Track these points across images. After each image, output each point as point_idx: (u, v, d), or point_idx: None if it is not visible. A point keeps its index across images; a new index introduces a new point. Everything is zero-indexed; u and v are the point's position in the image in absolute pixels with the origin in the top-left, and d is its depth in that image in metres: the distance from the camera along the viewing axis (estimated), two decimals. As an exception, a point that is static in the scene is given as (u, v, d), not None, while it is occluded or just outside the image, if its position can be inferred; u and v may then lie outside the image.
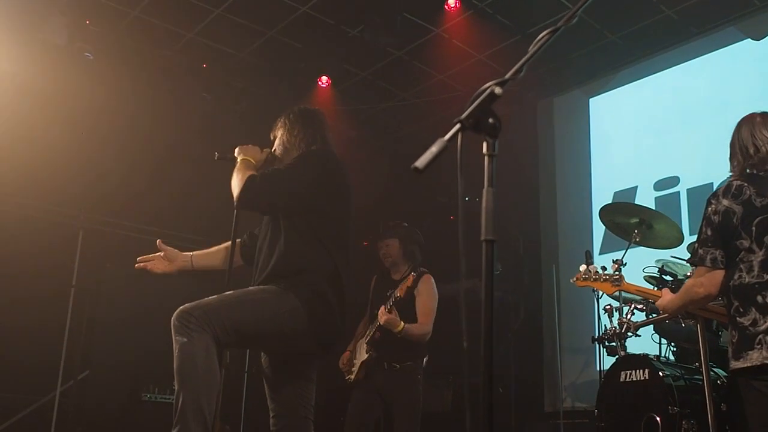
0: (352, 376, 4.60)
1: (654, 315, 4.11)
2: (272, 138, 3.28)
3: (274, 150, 3.22)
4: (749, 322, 2.69)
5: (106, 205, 6.54)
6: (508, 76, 1.40)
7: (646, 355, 3.92)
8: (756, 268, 2.71)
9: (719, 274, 2.78)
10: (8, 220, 6.02)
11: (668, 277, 4.12)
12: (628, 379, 3.83)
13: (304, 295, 2.84)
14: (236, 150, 3.14)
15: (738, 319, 2.73)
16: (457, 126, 1.36)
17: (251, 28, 6.65)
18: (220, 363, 2.72)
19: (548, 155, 7.50)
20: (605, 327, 4.42)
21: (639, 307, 4.20)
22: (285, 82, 7.17)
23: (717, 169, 3.72)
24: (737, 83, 5.96)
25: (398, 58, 7.07)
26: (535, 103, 7.64)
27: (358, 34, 6.63)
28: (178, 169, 6.65)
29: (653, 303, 3.93)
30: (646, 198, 6.23)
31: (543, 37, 1.43)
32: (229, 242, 3.26)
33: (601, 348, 4.62)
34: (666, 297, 3.13)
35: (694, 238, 3.06)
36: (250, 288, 2.96)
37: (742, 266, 2.74)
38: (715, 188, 3.01)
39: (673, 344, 4.30)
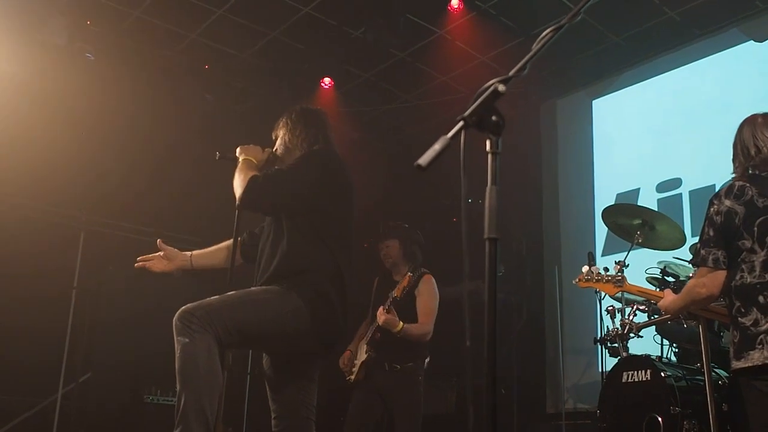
0: (353, 377, 4.59)
1: (656, 316, 4.11)
2: (274, 137, 3.28)
3: (276, 149, 3.22)
4: (751, 323, 2.69)
5: (106, 206, 6.54)
6: (511, 73, 1.40)
7: (648, 356, 3.92)
8: (758, 269, 2.71)
9: (721, 275, 2.78)
10: (9, 221, 6.01)
11: (670, 279, 4.12)
12: (630, 380, 3.83)
13: (306, 296, 2.84)
14: (237, 150, 3.14)
15: (739, 319, 2.73)
16: (461, 123, 1.36)
17: (253, 29, 6.65)
18: (222, 364, 2.72)
19: (551, 157, 7.50)
20: (607, 328, 4.42)
21: (641, 308, 4.20)
22: (287, 83, 7.17)
23: (719, 171, 3.72)
24: (740, 85, 5.96)
25: (401, 60, 7.08)
26: (538, 105, 7.64)
27: (361, 36, 6.63)
28: (179, 170, 6.64)
29: (655, 304, 3.93)
30: (649, 200, 6.23)
31: (547, 34, 1.43)
32: (228, 241, 3.27)
33: (603, 349, 4.62)
34: (668, 298, 3.13)
35: (697, 239, 3.06)
36: (253, 288, 2.95)
37: (744, 267, 2.74)
38: (717, 190, 3.01)
39: (675, 345, 4.30)
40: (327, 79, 7.32)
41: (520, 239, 7.06)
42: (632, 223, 4.40)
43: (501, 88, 1.36)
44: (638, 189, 6.50)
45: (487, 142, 1.41)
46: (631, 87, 6.88)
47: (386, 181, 7.40)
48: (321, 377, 3.13)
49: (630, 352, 4.17)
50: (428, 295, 4.61)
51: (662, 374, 3.66)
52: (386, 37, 6.59)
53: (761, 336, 2.65)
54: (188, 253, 3.32)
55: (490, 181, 1.40)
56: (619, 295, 4.24)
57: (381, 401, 4.53)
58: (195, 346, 2.62)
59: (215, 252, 3.33)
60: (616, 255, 5.31)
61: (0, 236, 5.84)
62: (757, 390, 2.68)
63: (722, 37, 6.26)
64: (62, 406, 5.96)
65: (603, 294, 4.78)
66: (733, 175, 2.92)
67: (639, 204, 5.90)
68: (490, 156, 1.41)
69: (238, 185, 2.95)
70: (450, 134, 1.36)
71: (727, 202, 2.79)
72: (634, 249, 4.41)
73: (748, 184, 2.80)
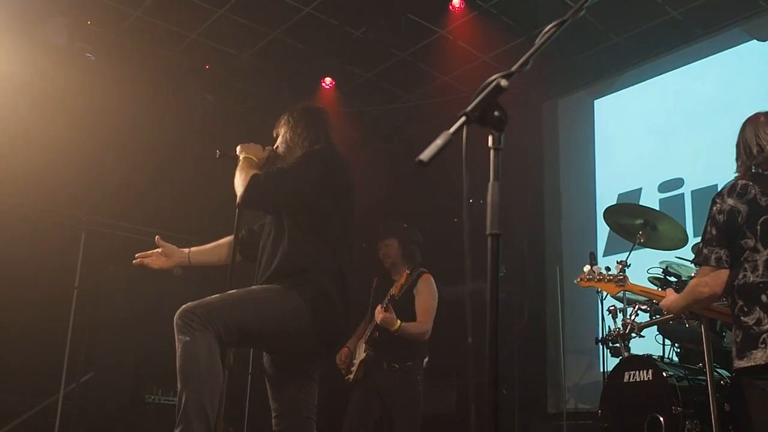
0: (351, 376, 4.59)
1: (658, 316, 4.10)
2: (275, 135, 3.27)
3: (277, 147, 3.21)
4: (753, 321, 2.68)
5: (107, 206, 6.53)
6: (514, 68, 1.39)
7: (649, 356, 3.92)
8: (761, 268, 2.71)
9: (724, 274, 2.77)
10: (9, 222, 6.00)
11: (672, 278, 4.11)
12: (631, 380, 3.83)
13: (307, 295, 2.84)
14: (238, 148, 3.13)
15: (742, 318, 2.73)
16: (463, 119, 1.35)
17: (254, 28, 6.65)
18: (223, 363, 2.71)
19: (552, 157, 7.49)
20: (609, 328, 4.41)
21: (643, 308, 4.19)
22: (288, 83, 7.16)
23: (722, 171, 3.71)
24: (743, 84, 5.95)
25: (402, 60, 7.07)
26: (540, 105, 7.63)
27: (362, 35, 6.63)
28: (180, 170, 6.63)
29: (657, 304, 3.92)
30: (651, 200, 6.22)
31: (550, 29, 1.42)
32: (227, 238, 3.27)
33: (605, 349, 4.62)
34: (670, 297, 3.12)
35: (698, 239, 3.05)
36: (253, 287, 2.94)
37: (746, 265, 2.73)
38: (720, 189, 3.00)
39: (676, 345, 4.29)
40: (328, 79, 7.31)
41: (521, 239, 7.04)
42: (634, 222, 4.39)
43: (503, 83, 1.35)
44: (640, 189, 6.49)
45: (490, 138, 1.40)
46: (632, 87, 6.87)
47: (387, 181, 7.39)
48: (321, 377, 3.13)
49: (631, 352, 4.17)
50: (427, 294, 4.60)
51: (664, 374, 3.66)
52: (387, 37, 6.58)
53: (764, 335, 2.64)
54: (186, 249, 3.32)
55: (493, 177, 1.39)
56: (620, 294, 4.24)
57: (380, 400, 4.52)
58: (196, 344, 2.61)
59: (214, 249, 3.33)
60: (617, 255, 5.29)
61: (1, 237, 5.83)
62: (759, 389, 2.68)
63: (725, 36, 6.25)
64: (63, 405, 5.96)
65: (605, 294, 4.78)
66: (736, 174, 2.92)
67: (641, 204, 5.89)
68: (492, 152, 1.40)
69: (240, 184, 2.94)
70: (452, 129, 1.35)
71: (730, 201, 2.78)
72: (635, 249, 4.40)
73: (751, 183, 2.79)
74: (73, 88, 6.24)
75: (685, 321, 3.91)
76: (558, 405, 6.52)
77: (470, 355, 1.52)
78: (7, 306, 5.79)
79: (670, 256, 4.35)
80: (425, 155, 1.32)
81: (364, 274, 4.52)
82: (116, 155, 6.49)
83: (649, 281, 4.16)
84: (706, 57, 6.35)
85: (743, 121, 3.01)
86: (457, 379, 6.38)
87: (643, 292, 3.49)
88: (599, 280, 3.55)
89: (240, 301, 2.79)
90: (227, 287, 2.88)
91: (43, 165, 6.00)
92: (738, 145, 2.95)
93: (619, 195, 6.59)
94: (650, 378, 3.72)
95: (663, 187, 6.34)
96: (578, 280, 3.66)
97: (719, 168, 4.58)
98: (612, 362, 4.36)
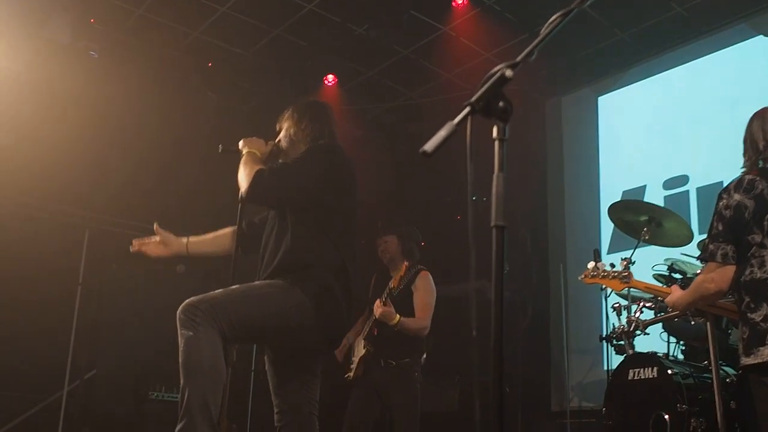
0: (351, 374, 4.58)
1: (662, 313, 4.08)
2: (278, 129, 3.26)
3: (279, 142, 3.20)
4: (761, 318, 2.66)
5: (111, 204, 6.53)
6: (519, 58, 1.37)
7: (654, 353, 3.90)
8: (768, 263, 2.68)
9: (730, 270, 2.74)
10: (13, 219, 6.02)
11: (677, 276, 4.08)
12: (636, 377, 3.80)
13: (311, 290, 2.83)
14: (241, 142, 3.12)
15: (749, 315, 2.70)
16: (467, 109, 1.34)
17: (257, 26, 6.64)
18: (226, 359, 2.70)
19: (556, 154, 7.47)
20: (613, 325, 4.39)
21: (648, 305, 4.17)
22: (291, 80, 7.15)
23: (727, 168, 3.68)
24: (748, 81, 5.91)
25: (405, 57, 7.05)
26: (543, 102, 7.61)
27: (365, 33, 6.62)
28: (185, 168, 6.64)
29: (662, 301, 3.90)
30: (655, 197, 6.20)
31: (555, 19, 1.40)
32: (226, 229, 3.26)
33: (609, 347, 4.60)
34: (675, 293, 3.09)
35: (704, 236, 3.03)
36: (256, 282, 2.94)
37: (753, 261, 2.70)
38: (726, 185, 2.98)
39: (682, 343, 4.27)
40: (330, 76, 7.30)
41: (525, 237, 7.03)
42: (639, 219, 4.37)
43: (508, 73, 1.33)
44: (644, 186, 6.46)
45: (494, 129, 1.38)
46: (637, 83, 6.85)
47: (389, 178, 7.38)
48: (323, 372, 3.12)
49: (636, 349, 4.14)
50: (425, 290, 4.60)
51: (669, 371, 3.64)
52: (390, 34, 6.57)
53: (771, 331, 2.62)
54: (184, 239, 3.31)
55: (497, 168, 1.38)
56: (625, 291, 4.21)
57: (379, 398, 4.51)
58: (199, 339, 2.60)
59: (213, 239, 3.32)
60: (622, 252, 5.29)
61: (5, 235, 5.83)
62: (766, 386, 2.65)
63: (730, 32, 6.22)
64: (67, 403, 5.96)
65: (609, 291, 4.76)
66: (743, 170, 2.89)
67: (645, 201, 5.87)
68: (497, 142, 1.38)
69: (244, 178, 2.94)
70: (456, 120, 1.33)
71: (737, 196, 2.76)
72: (640, 246, 4.37)
73: (757, 178, 2.76)
74: (76, 87, 6.24)
75: (690, 318, 3.89)
76: (562, 403, 6.50)
77: (475, 350, 1.50)
78: (11, 303, 5.80)
79: (675, 253, 4.32)
80: (429, 146, 1.30)
81: (362, 272, 4.52)
82: (120, 153, 6.49)
83: (654, 278, 4.14)
84: (711, 53, 6.32)
85: (750, 116, 2.99)
86: (460, 377, 6.37)
87: (648, 288, 3.46)
88: (604, 277, 3.53)
89: (243, 296, 2.78)
90: (231, 282, 2.87)
91: (46, 163, 6.01)
92: (745, 140, 2.92)
93: (624, 192, 6.56)
94: (655, 376, 3.70)
95: (668, 184, 6.31)
96: (582, 276, 3.64)
97: (725, 165, 4.54)
98: (616, 360, 4.34)
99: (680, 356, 4.21)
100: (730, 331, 3.76)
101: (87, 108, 6.31)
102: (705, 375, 3.70)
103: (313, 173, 2.95)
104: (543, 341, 6.90)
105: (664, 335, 4.30)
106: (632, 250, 4.21)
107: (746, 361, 2.69)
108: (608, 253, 6.39)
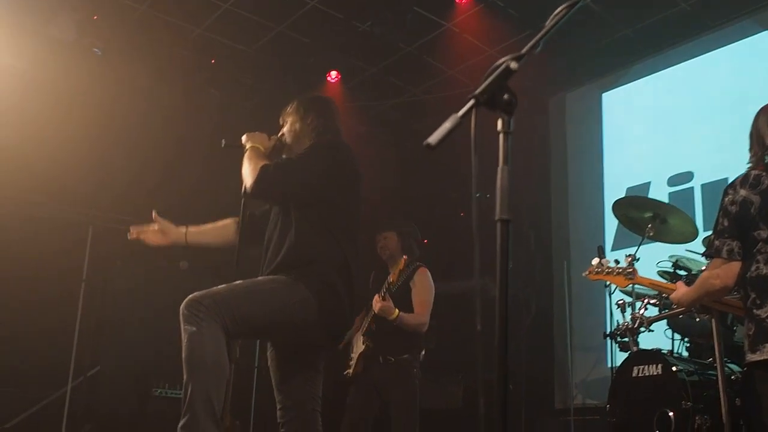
0: (350, 371, 4.57)
1: (667, 310, 4.06)
2: (281, 123, 3.25)
3: (283, 136, 3.19)
4: (766, 315, 2.64)
5: (115, 201, 6.53)
6: (524, 50, 1.36)
7: (659, 350, 3.88)
8: (774, 259, 2.66)
9: (736, 266, 2.73)
10: (17, 217, 6.02)
11: (682, 272, 4.06)
12: (640, 374, 3.79)
13: (314, 286, 2.82)
14: (244, 137, 3.11)
15: (755, 311, 2.68)
16: (472, 101, 1.32)
17: (260, 22, 6.63)
18: (229, 356, 2.70)
19: (560, 151, 7.45)
20: (617, 323, 4.37)
21: (652, 302, 4.15)
22: (294, 77, 7.14)
23: (732, 164, 3.66)
24: (753, 76, 5.87)
25: (408, 53, 7.03)
26: (548, 98, 7.59)
27: (368, 29, 6.60)
28: (188, 165, 6.63)
29: (667, 297, 3.88)
30: (660, 194, 6.17)
31: (560, 11, 1.39)
32: (226, 220, 3.25)
33: (613, 344, 4.58)
34: (680, 290, 3.08)
35: (709, 233, 3.01)
36: (260, 278, 2.93)
37: (759, 257, 2.69)
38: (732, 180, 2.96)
39: (686, 339, 4.25)
40: (334, 73, 7.29)
41: (528, 234, 7.02)
42: (643, 216, 4.35)
43: (513, 65, 1.32)
44: (649, 183, 6.44)
45: (499, 121, 1.37)
46: (641, 79, 6.81)
47: (393, 175, 7.37)
48: (325, 369, 3.11)
49: (640, 346, 4.12)
50: (423, 287, 4.60)
51: (674, 368, 3.62)
52: (393, 31, 6.55)
53: (777, 328, 2.60)
54: (183, 228, 3.29)
55: (502, 162, 1.36)
56: (629, 288, 4.20)
57: (378, 395, 4.51)
58: (202, 335, 2.59)
59: (212, 230, 3.32)
60: (626, 249, 5.25)
61: (9, 232, 5.84)
62: (772, 383, 2.64)
63: (735, 28, 6.18)
64: (71, 400, 5.97)
65: (613, 288, 4.74)
66: (749, 165, 2.87)
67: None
68: (501, 135, 1.36)
69: (248, 174, 2.93)
70: (460, 113, 1.31)
71: (743, 192, 2.74)
72: (644, 243, 4.36)
73: (764, 174, 2.75)
74: (80, 84, 6.25)
75: (695, 315, 3.87)
76: (565, 400, 6.49)
77: (479, 347, 1.49)
78: (15, 301, 5.81)
79: (679, 249, 4.30)
80: (433, 138, 1.29)
81: (362, 268, 4.51)
82: (124, 150, 6.49)
83: (659, 275, 4.12)
84: (716, 49, 6.28)
85: (756, 111, 2.97)
86: (463, 375, 6.36)
87: (653, 285, 3.45)
88: (608, 273, 3.51)
89: (246, 291, 2.78)
90: (234, 279, 2.86)
91: (50, 160, 6.01)
92: (751, 136, 2.91)
93: (628, 189, 6.54)
94: (659, 372, 3.69)
95: (672, 180, 6.29)
96: (587, 273, 3.62)
97: (730, 161, 4.51)
98: (620, 357, 4.32)
99: (685, 353, 4.19)
100: (735, 328, 3.74)
101: (91, 105, 6.31)
102: (710, 372, 3.68)
103: (317, 169, 2.94)
104: (547, 338, 6.88)
105: (669, 332, 4.28)
106: (636, 247, 4.19)
107: (752, 357, 2.67)
108: (612, 249, 6.37)
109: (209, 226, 3.32)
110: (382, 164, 7.02)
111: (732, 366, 3.64)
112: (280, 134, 3.20)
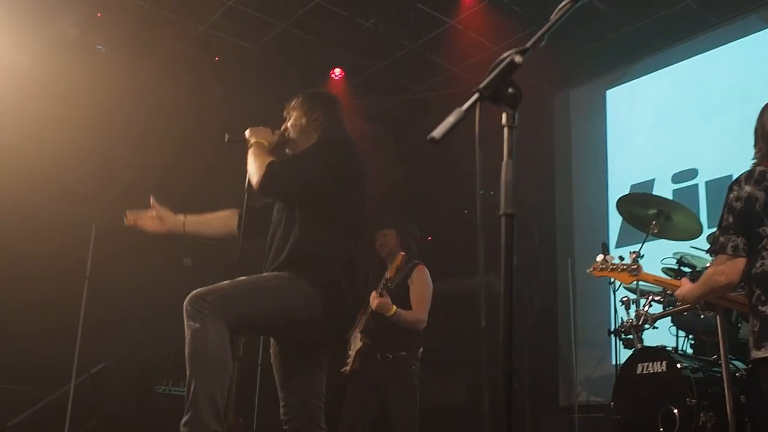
0: (348, 368, 4.56)
1: (671, 307, 4.05)
2: (285, 116, 3.23)
3: (286, 130, 3.17)
4: (772, 311, 2.63)
5: (118, 198, 6.51)
6: (529, 44, 1.35)
7: (663, 347, 3.87)
8: (779, 256, 2.65)
9: (741, 262, 2.72)
10: (21, 215, 6.02)
11: (687, 269, 4.05)
12: (645, 372, 3.77)
13: (318, 283, 2.81)
14: (247, 132, 3.10)
15: (760, 308, 2.67)
16: (476, 95, 1.31)
17: (264, 20, 6.63)
18: (233, 352, 2.69)
19: (565, 147, 7.43)
20: (622, 320, 4.37)
21: (656, 298, 4.14)
22: (298, 74, 7.14)
23: (736, 161, 3.66)
24: (758, 73, 5.85)
25: (412, 51, 7.02)
26: (552, 95, 7.57)
27: (372, 26, 6.59)
28: (193, 163, 6.63)
29: (671, 294, 3.87)
30: (664, 191, 6.15)
31: (565, 5, 1.38)
32: (225, 211, 3.24)
33: (618, 341, 4.57)
34: (685, 286, 3.07)
35: (714, 230, 3.00)
36: (264, 274, 2.92)
37: (764, 253, 2.67)
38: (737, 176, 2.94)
39: (691, 337, 4.23)
40: (337, 70, 7.28)
41: (532, 231, 7.01)
42: (647, 212, 4.34)
43: (518, 59, 1.31)
44: (653, 180, 6.42)
45: (503, 116, 1.36)
46: (646, 76, 6.79)
47: (397, 172, 7.35)
48: (330, 367, 3.10)
49: (645, 343, 4.11)
50: (421, 284, 4.60)
51: (678, 365, 3.61)
52: (397, 28, 6.54)
53: (782, 325, 2.59)
54: (182, 216, 3.28)
55: (506, 156, 1.35)
56: (633, 285, 4.18)
57: (376, 392, 4.50)
58: (206, 331, 2.58)
59: (211, 220, 3.30)
60: (630, 246, 5.23)
61: (14, 231, 5.84)
62: (777, 380, 2.63)
63: (740, 24, 6.15)
64: (75, 397, 5.97)
65: (617, 285, 4.73)
66: (754, 161, 2.86)
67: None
68: (506, 130, 1.36)
69: (255, 170, 2.91)
70: (465, 106, 1.31)
71: (748, 188, 2.73)
72: (649, 240, 4.34)
73: (769, 170, 2.73)
74: (84, 81, 6.24)
75: (700, 311, 3.85)
76: (570, 398, 6.48)
77: (484, 344, 1.49)
78: (19, 299, 5.81)
79: (684, 246, 4.29)
80: (437, 132, 1.28)
81: (361, 266, 4.50)
82: (128, 147, 6.49)
83: (663, 272, 4.10)
84: (720, 45, 6.26)
85: (761, 108, 2.95)
86: (466, 373, 6.36)
87: (658, 281, 3.44)
88: (613, 270, 3.50)
89: (251, 287, 2.77)
90: (238, 275, 2.85)
91: (54, 158, 6.01)
92: (756, 131, 2.89)
93: (632, 186, 6.52)
94: (664, 369, 3.67)
95: (676, 177, 6.27)
96: (591, 269, 3.61)
97: (734, 158, 4.51)
98: (624, 354, 4.31)
99: (689, 350, 4.17)
100: (740, 325, 3.73)
101: (94, 102, 6.31)
102: (714, 369, 3.67)
103: (323, 167, 2.93)
104: (551, 335, 6.87)
105: (673, 329, 4.26)
106: (641, 244, 4.17)
107: (757, 354, 2.66)
108: (616, 247, 6.35)
109: (208, 215, 3.30)
110: (385, 161, 7.01)
111: (737, 363, 3.62)
112: (283, 128, 3.18)
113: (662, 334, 4.28)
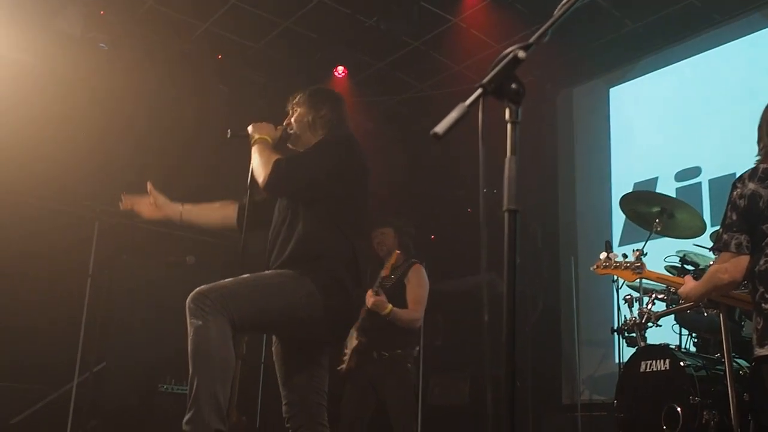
0: (344, 366, 4.56)
1: (675, 305, 4.04)
2: (288, 110, 3.22)
3: (289, 125, 3.16)
4: (775, 309, 2.62)
5: (119, 198, 6.51)
6: (532, 40, 1.34)
7: (666, 345, 3.86)
8: (782, 254, 2.64)
9: (744, 260, 2.71)
10: (24, 213, 6.02)
11: (690, 267, 4.04)
12: (648, 370, 3.77)
13: (321, 281, 2.81)
14: (250, 127, 3.10)
15: (763, 305, 2.66)
16: (479, 91, 1.31)
17: (266, 18, 6.63)
18: (236, 350, 2.69)
19: (568, 146, 7.42)
20: (625, 318, 4.35)
21: (660, 297, 4.13)
22: (301, 72, 7.14)
23: (740, 159, 3.63)
24: (762, 71, 5.83)
25: (415, 49, 7.02)
26: (555, 93, 7.56)
27: (375, 24, 6.59)
28: (196, 161, 6.63)
29: (674, 292, 3.86)
30: (667, 189, 6.14)
31: (568, 0, 1.37)
32: (225, 201, 3.23)
33: (621, 339, 4.56)
34: (689, 284, 3.06)
35: (717, 228, 2.99)
36: (267, 272, 2.91)
37: (768, 251, 2.67)
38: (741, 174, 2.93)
39: (694, 335, 4.23)
40: (340, 68, 7.28)
41: (535, 229, 7.00)
42: (651, 210, 4.33)
43: (521, 54, 1.31)
44: (656, 178, 6.41)
45: (507, 111, 1.35)
46: (649, 74, 6.78)
47: (400, 170, 7.35)
48: (332, 365, 3.10)
49: (648, 342, 4.11)
50: (417, 283, 4.59)
51: (681, 363, 3.60)
52: (400, 26, 6.53)
53: (786, 322, 2.58)
54: (180, 205, 3.27)
55: (510, 152, 1.35)
56: (636, 283, 4.18)
57: (373, 391, 4.50)
58: (208, 329, 2.58)
59: (209, 211, 3.30)
60: (633, 244, 5.22)
61: (17, 229, 5.85)
62: (781, 378, 2.62)
63: (743, 22, 6.14)
64: (77, 395, 5.97)
65: (620, 283, 4.72)
66: (758, 158, 2.85)
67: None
68: (509, 125, 1.35)
69: (261, 168, 2.90)
70: (468, 102, 1.30)
71: (751, 185, 2.72)
72: (652, 238, 4.33)
73: (773, 167, 2.72)
74: (87, 79, 6.24)
75: (703, 309, 3.85)
76: (573, 396, 6.47)
77: (487, 342, 1.48)
78: (21, 296, 5.81)
79: (687, 245, 4.28)
80: (440, 128, 1.28)
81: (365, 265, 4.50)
82: (131, 145, 6.48)
83: (666, 270, 4.09)
84: (724, 44, 6.24)
85: (765, 105, 2.94)
86: (469, 372, 6.36)
87: (661, 279, 3.44)
88: (616, 267, 3.50)
89: (253, 285, 2.76)
90: (240, 272, 2.84)
91: (57, 156, 6.00)
92: (760, 128, 2.88)
93: (635, 184, 6.51)
94: (667, 368, 3.66)
95: (680, 176, 6.26)
96: (594, 267, 3.61)
97: (738, 156, 4.47)
98: (628, 352, 4.30)
99: (692, 348, 4.17)
100: (743, 323, 3.72)
101: (97, 100, 6.30)
102: (718, 367, 3.66)
103: (329, 165, 2.93)
104: (554, 334, 6.86)
105: (676, 327, 4.26)
106: (644, 242, 4.17)
107: (760, 352, 2.66)
108: (620, 245, 6.34)
109: (206, 205, 3.29)
110: (388, 159, 7.01)
111: (740, 361, 3.61)
112: (286, 123, 3.17)
113: (665, 332, 4.27)
